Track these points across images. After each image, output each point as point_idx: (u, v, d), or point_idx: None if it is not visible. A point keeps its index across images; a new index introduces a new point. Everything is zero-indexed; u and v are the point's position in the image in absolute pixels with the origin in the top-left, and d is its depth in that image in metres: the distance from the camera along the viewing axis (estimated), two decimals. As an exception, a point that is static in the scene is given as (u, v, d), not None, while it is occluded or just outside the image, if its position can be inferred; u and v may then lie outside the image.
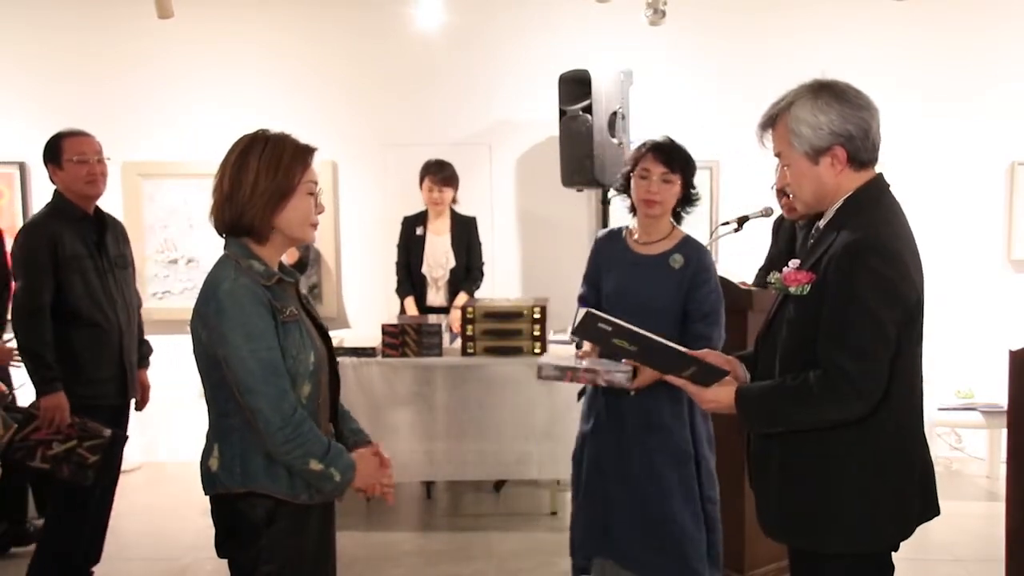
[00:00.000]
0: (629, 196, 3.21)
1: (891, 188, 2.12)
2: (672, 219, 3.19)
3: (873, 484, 2.05)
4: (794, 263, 2.13)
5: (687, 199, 3.16)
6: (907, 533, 2.12)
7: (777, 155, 2.15)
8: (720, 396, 2.19)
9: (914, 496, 2.12)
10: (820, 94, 2.05)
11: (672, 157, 3.10)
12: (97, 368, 3.50)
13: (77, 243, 3.46)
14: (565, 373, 2.77)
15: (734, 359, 2.33)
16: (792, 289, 2.07)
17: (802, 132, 2.05)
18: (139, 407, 3.78)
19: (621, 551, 3.12)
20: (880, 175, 2.11)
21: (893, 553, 2.20)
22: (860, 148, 2.05)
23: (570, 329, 2.85)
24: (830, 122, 2.03)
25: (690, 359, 2.19)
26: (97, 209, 3.60)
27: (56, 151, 3.52)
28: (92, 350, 3.48)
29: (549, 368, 2.78)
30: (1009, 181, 5.67)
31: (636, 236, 3.20)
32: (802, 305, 2.06)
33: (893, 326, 1.97)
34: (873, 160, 2.10)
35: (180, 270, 5.83)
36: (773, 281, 2.14)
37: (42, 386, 3.36)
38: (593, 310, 2.20)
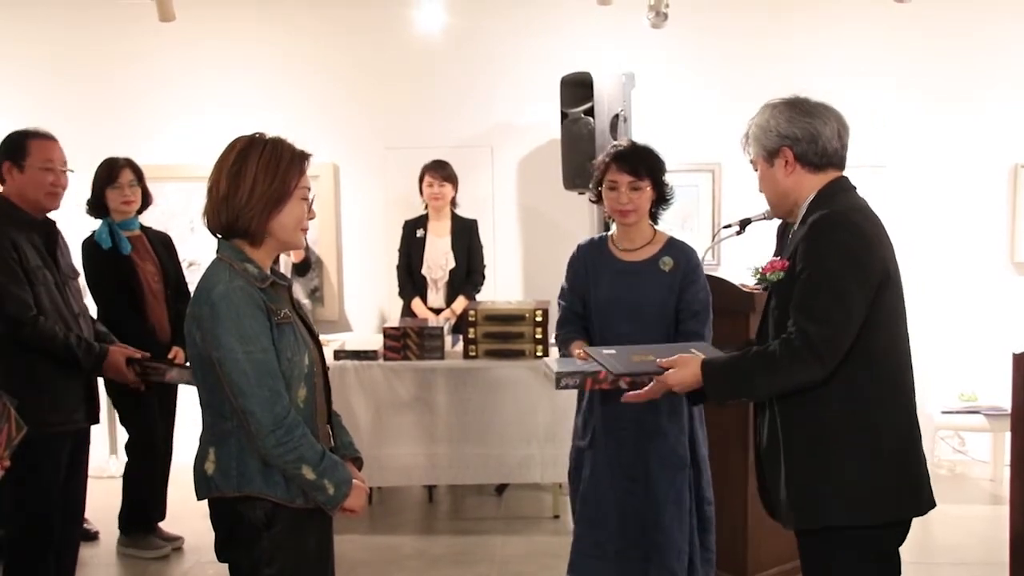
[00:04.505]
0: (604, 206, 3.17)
1: (856, 190, 2.27)
2: (650, 220, 3.16)
3: (867, 455, 2.13)
4: (775, 258, 2.29)
5: (661, 199, 3.13)
6: (912, 508, 2.18)
7: (751, 162, 2.36)
8: (686, 377, 2.31)
9: (914, 476, 2.18)
10: (777, 105, 2.28)
11: (637, 164, 3.04)
12: (66, 391, 3.17)
13: (33, 253, 3.11)
14: (585, 380, 2.63)
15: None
16: (769, 275, 2.23)
17: (758, 136, 2.29)
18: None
19: (619, 572, 3.09)
20: (844, 177, 2.27)
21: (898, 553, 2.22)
22: (807, 151, 2.22)
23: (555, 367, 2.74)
24: (778, 125, 2.24)
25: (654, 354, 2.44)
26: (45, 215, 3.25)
27: (19, 151, 3.13)
28: (61, 372, 3.14)
29: (568, 377, 2.63)
30: (1012, 183, 5.64)
31: (620, 244, 3.17)
32: (780, 291, 2.22)
33: (858, 294, 2.09)
34: (827, 164, 2.25)
35: (181, 273, 5.82)
36: (756, 276, 2.31)
37: (95, 352, 3.17)
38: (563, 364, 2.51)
